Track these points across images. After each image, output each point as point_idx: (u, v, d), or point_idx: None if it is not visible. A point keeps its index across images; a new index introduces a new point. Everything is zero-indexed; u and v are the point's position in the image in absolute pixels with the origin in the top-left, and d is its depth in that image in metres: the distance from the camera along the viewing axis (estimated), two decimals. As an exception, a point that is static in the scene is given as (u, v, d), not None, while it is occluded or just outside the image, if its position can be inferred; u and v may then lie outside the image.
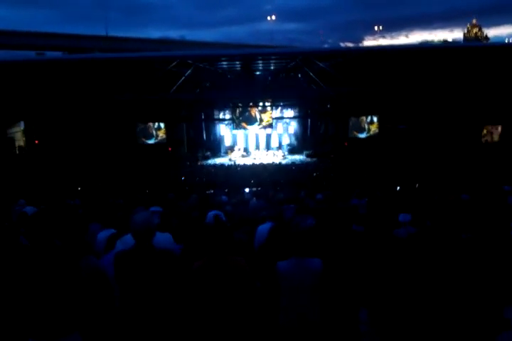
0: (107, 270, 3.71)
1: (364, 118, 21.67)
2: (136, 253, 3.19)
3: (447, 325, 2.88)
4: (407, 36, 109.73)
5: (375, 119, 21.60)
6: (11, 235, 4.59)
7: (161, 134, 21.96)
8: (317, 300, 3.68)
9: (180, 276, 3.30)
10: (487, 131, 20.14)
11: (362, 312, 3.57)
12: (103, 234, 4.80)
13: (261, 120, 25.83)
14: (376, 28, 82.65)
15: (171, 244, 4.01)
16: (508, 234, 4.34)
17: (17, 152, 19.72)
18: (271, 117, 25.85)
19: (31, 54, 36.18)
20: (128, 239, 3.77)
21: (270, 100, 25.44)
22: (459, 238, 3.64)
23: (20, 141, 19.80)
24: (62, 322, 3.07)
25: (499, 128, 20.02)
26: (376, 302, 3.30)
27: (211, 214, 6.40)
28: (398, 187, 13.62)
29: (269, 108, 25.85)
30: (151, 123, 21.68)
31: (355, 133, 21.93)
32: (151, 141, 21.94)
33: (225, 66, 22.41)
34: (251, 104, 25.07)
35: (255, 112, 25.69)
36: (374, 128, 21.63)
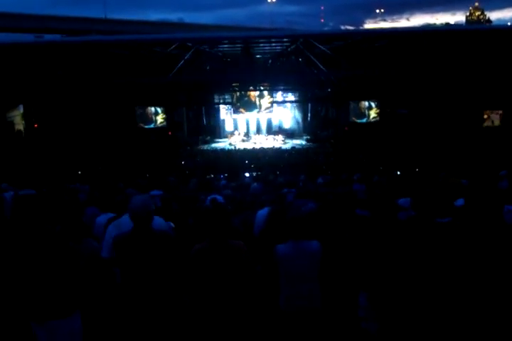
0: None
1: (364, 102, 21.49)
2: (134, 235, 3.19)
3: (449, 314, 2.89)
4: (408, 19, 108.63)
5: (373, 105, 21.40)
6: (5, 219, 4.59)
7: (160, 119, 21.80)
8: (317, 283, 3.69)
9: (179, 258, 3.31)
10: (488, 116, 20.05)
11: (361, 297, 3.58)
12: (102, 218, 4.80)
13: (260, 106, 25.66)
14: (377, 10, 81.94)
15: (163, 226, 3.99)
16: (497, 219, 4.33)
17: (16, 135, 19.66)
18: (270, 102, 25.68)
19: (30, 37, 35.82)
20: (122, 223, 3.75)
21: (268, 84, 25.22)
22: (457, 223, 3.63)
23: (19, 124, 19.70)
24: (60, 304, 3.09)
25: (500, 113, 19.91)
26: (376, 286, 3.30)
27: (209, 198, 6.42)
28: (398, 172, 13.63)
29: (266, 93, 25.62)
30: (149, 108, 21.51)
31: (354, 119, 21.80)
32: (151, 126, 21.82)
33: (225, 49, 22.21)
34: (251, 88, 24.89)
35: (255, 97, 25.48)
36: (373, 114, 21.45)
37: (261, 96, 25.55)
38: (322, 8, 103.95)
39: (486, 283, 2.83)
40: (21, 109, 19.64)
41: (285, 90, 26.71)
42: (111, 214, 4.69)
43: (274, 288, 3.71)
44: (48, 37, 36.15)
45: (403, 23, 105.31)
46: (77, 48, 18.52)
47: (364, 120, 21.67)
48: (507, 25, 34.11)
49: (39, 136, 19.06)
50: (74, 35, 37.35)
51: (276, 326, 3.71)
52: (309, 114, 27.54)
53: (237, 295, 3.33)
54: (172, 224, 4.50)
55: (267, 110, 26.12)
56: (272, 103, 25.94)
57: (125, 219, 3.76)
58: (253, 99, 25.41)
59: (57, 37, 37.54)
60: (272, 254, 3.63)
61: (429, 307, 2.96)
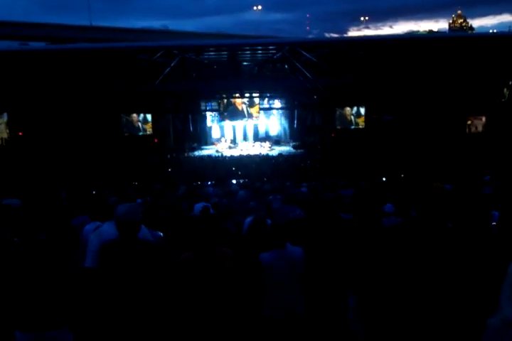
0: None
1: (349, 109, 21.55)
2: (120, 244, 3.18)
3: (434, 315, 2.93)
4: (391, 27, 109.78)
5: (361, 111, 21.42)
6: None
7: (148, 128, 21.69)
8: (301, 290, 3.71)
9: (165, 267, 3.31)
10: (471, 122, 20.32)
11: (350, 299, 3.61)
12: (89, 227, 4.77)
13: (249, 115, 25.54)
14: (362, 18, 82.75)
15: (148, 235, 3.97)
16: (485, 225, 4.37)
17: (1, 144, 19.51)
18: (258, 112, 25.65)
19: (14, 44, 35.62)
20: (102, 231, 3.71)
21: (255, 91, 25.25)
22: (444, 228, 3.69)
23: (3, 133, 19.53)
24: (52, 315, 3.08)
25: (483, 119, 20.19)
26: (364, 290, 3.34)
27: (199, 206, 6.39)
28: (384, 178, 13.73)
29: (256, 100, 25.57)
30: (135, 117, 21.37)
31: (339, 126, 21.80)
32: (137, 134, 21.70)
33: (211, 56, 22.26)
34: (237, 95, 24.90)
35: (242, 106, 25.35)
36: (361, 123, 21.47)
37: (251, 104, 25.46)
38: (308, 15, 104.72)
39: (475, 288, 2.87)
40: (6, 117, 19.47)
41: (272, 97, 26.80)
42: (98, 223, 4.67)
43: (259, 295, 3.72)
44: (32, 44, 36.01)
45: (386, 30, 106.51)
46: (63, 56, 18.46)
47: (351, 128, 21.74)
48: (489, 32, 34.68)
49: (24, 144, 18.91)
50: (59, 42, 37.20)
51: (261, 332, 3.72)
52: (296, 121, 27.64)
53: (224, 303, 3.33)
54: (161, 234, 4.49)
55: (256, 119, 26.10)
56: (260, 110, 25.95)
57: (106, 228, 3.73)
58: (239, 108, 25.32)
59: (42, 44, 37.38)
60: (256, 262, 3.66)
61: (415, 310, 3.00)
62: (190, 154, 24.91)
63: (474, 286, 2.88)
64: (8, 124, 19.46)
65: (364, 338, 3.44)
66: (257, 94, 25.42)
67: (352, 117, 21.63)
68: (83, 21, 47.46)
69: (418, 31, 78.54)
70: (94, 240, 3.60)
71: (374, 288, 3.27)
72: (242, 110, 25.40)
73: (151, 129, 21.65)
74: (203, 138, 27.76)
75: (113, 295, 3.16)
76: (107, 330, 3.23)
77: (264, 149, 25.15)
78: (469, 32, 72.78)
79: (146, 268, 3.15)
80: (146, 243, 3.32)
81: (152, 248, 3.28)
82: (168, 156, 22.95)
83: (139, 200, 6.84)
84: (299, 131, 27.24)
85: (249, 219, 5.21)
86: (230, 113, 25.40)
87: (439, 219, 3.61)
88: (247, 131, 27.79)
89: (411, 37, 24.88)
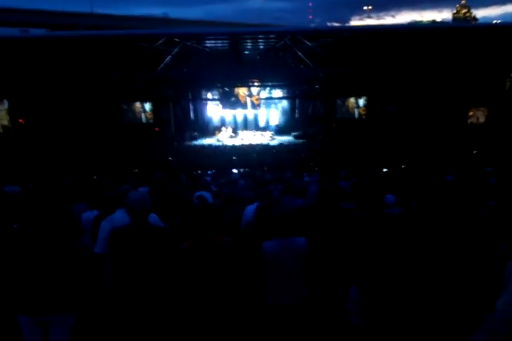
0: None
1: (352, 100, 21.37)
2: (132, 229, 3.23)
3: (440, 308, 2.94)
4: (393, 16, 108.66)
5: (361, 104, 21.20)
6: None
7: (149, 117, 21.54)
8: (303, 280, 3.71)
9: (172, 253, 3.35)
10: (473, 113, 20.24)
11: (352, 291, 3.61)
12: (88, 215, 4.79)
13: (251, 104, 25.39)
14: (365, 7, 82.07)
15: (158, 221, 4.04)
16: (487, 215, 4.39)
17: (1, 131, 19.50)
18: (259, 101, 25.52)
19: (15, 31, 35.40)
20: (115, 219, 3.78)
21: (257, 80, 25.05)
22: (440, 220, 3.69)
23: (4, 120, 19.50)
24: (54, 300, 3.12)
25: (485, 110, 20.12)
26: (369, 281, 3.34)
27: (196, 195, 6.41)
28: (385, 169, 13.71)
29: (258, 90, 25.39)
30: (137, 105, 21.22)
31: (340, 117, 21.61)
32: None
33: (212, 45, 22.12)
34: (238, 84, 24.69)
35: (243, 95, 25.17)
36: (363, 113, 21.25)
37: (252, 93, 25.29)
38: (310, 4, 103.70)
39: (483, 283, 2.87)
40: (6, 105, 19.43)
41: (273, 86, 26.63)
42: (96, 212, 4.68)
43: (261, 284, 3.73)
44: (33, 31, 35.74)
45: (389, 20, 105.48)
46: (64, 43, 18.35)
47: (354, 117, 21.57)
48: (492, 23, 34.43)
49: (24, 132, 18.89)
50: (60, 29, 37.02)
51: (263, 322, 3.74)
52: (297, 111, 27.52)
53: (225, 292, 3.34)
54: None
55: (258, 108, 25.96)
56: (259, 99, 25.79)
57: (118, 215, 3.80)
58: (241, 97, 25.12)
59: (42, 31, 37.15)
60: (259, 251, 3.66)
61: (419, 302, 3.01)
62: (191, 143, 24.86)
63: (477, 279, 2.88)
64: (9, 111, 19.43)
65: (366, 330, 3.45)
66: (259, 83, 25.20)
67: (354, 108, 21.45)
68: (84, 8, 47.06)
69: (421, 21, 77.87)
70: (106, 227, 3.67)
71: (378, 279, 3.28)
72: (244, 99, 25.25)
73: (151, 118, 21.52)
74: (203, 127, 27.66)
75: (123, 279, 3.20)
76: (111, 314, 3.27)
77: (265, 139, 25.08)
78: (473, 22, 72.22)
79: (157, 252, 3.23)
80: (156, 228, 3.38)
81: (162, 232, 3.34)
82: (169, 145, 22.87)
83: (141, 189, 6.82)
84: (300, 120, 27.13)
85: (251, 207, 5.19)
86: (231, 102, 25.23)
87: (439, 209, 3.61)
88: (248, 120, 27.68)
89: (414, 27, 24.73)
